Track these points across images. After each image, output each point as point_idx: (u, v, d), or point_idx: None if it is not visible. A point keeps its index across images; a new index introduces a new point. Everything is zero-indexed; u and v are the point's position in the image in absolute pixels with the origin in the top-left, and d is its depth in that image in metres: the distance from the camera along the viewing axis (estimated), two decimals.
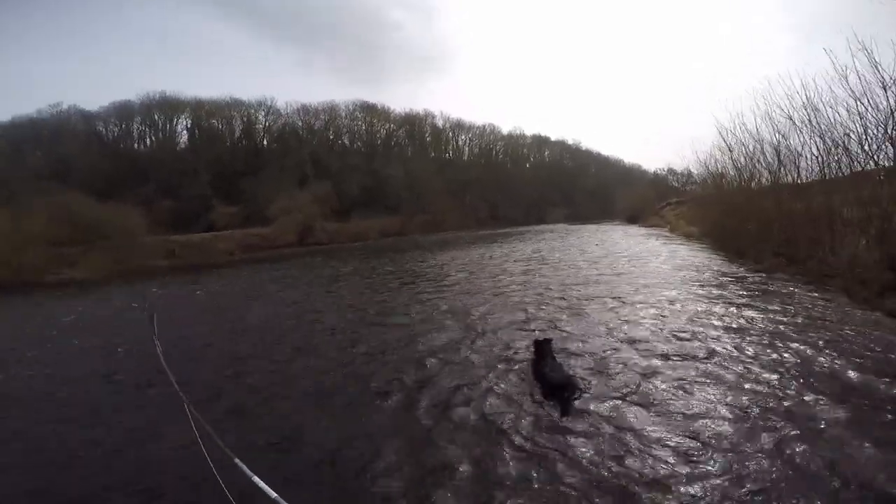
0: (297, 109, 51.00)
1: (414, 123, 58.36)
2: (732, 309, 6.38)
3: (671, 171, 58.04)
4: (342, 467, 3.16)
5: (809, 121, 9.70)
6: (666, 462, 2.95)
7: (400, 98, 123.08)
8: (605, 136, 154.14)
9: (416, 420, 3.82)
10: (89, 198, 25.82)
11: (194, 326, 7.82)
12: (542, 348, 4.64)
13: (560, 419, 3.62)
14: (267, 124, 50.40)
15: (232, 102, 49.46)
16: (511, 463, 3.09)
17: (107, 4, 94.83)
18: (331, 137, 51.08)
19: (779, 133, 11.23)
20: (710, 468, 2.84)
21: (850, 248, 8.03)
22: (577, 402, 3.85)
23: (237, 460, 0.88)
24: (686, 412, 3.54)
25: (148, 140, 46.88)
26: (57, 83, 76.99)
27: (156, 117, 46.72)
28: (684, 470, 2.84)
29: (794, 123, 10.27)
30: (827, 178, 9.55)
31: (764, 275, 8.81)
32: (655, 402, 3.74)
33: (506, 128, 68.04)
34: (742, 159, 14.11)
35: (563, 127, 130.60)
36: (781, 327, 5.43)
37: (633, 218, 42.73)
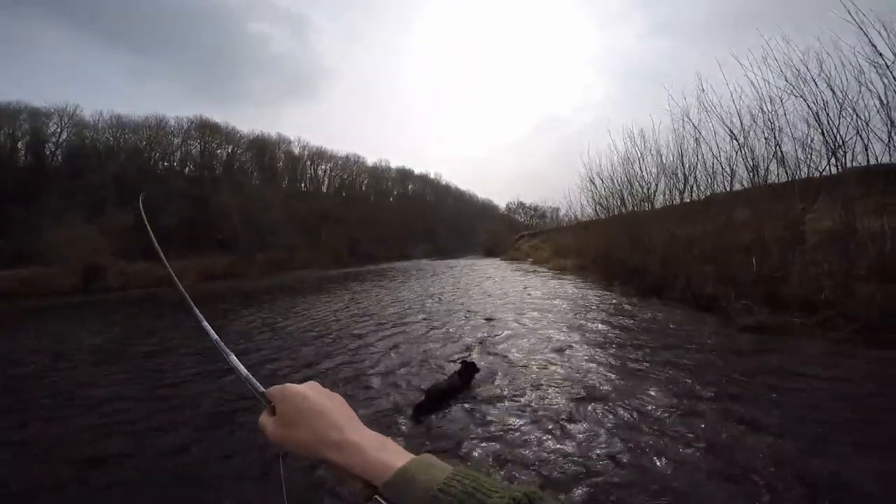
0: (109, 122, 42.22)
1: (264, 148, 52.62)
2: None
3: (521, 204, 61.37)
4: None
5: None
6: None
7: (258, 122, 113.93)
8: (458, 172, 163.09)
9: None
10: None
11: None
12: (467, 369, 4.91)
13: None
14: (66, 137, 40.52)
15: (16, 108, 38.92)
16: None
17: None
18: (154, 157, 42.95)
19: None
20: None
21: None
22: None
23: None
24: None
25: None
26: None
27: None
28: None
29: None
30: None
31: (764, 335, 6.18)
32: None
33: (371, 159, 66.02)
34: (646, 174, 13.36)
35: (424, 160, 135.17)
36: None
37: (491, 251, 43.46)
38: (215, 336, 0.74)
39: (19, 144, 39.49)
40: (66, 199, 30.22)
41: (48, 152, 39.69)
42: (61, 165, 37.54)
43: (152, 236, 1.05)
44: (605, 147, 27.08)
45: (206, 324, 0.78)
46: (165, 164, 43.36)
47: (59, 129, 40.33)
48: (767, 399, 4.15)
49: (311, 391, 0.56)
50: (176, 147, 44.43)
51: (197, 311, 0.81)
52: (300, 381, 0.58)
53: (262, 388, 0.59)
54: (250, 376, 0.63)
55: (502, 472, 3.23)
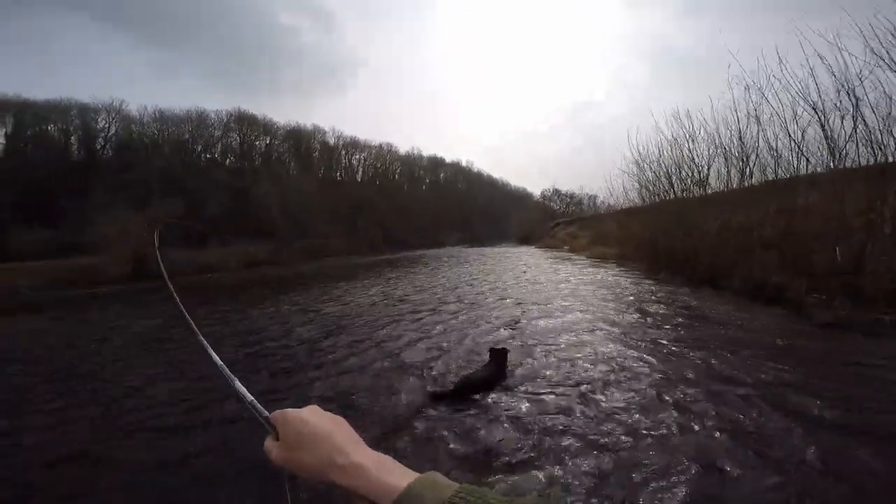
0: (153, 116, 43.74)
1: (300, 138, 53.42)
2: None
3: (556, 191, 59.76)
4: None
5: None
6: None
7: (290, 114, 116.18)
8: (492, 159, 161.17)
9: None
10: None
11: None
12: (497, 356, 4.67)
13: None
14: (114, 132, 42.29)
15: (67, 105, 40.93)
16: None
17: None
18: (197, 150, 44.27)
19: None
20: None
21: None
22: None
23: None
24: None
25: None
26: None
27: None
28: None
29: None
30: None
31: None
32: None
33: (403, 148, 65.94)
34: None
35: (453, 150, 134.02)
36: None
37: (525, 239, 42.87)
38: (220, 361, 0.73)
39: (72, 139, 41.66)
40: (114, 191, 31.57)
41: (98, 146, 41.68)
42: (111, 159, 39.22)
43: (162, 266, 1.12)
44: (648, 131, 25.69)
45: (211, 351, 0.76)
46: (207, 156, 44.67)
47: (107, 125, 42.24)
48: (875, 410, 3.58)
49: (311, 415, 0.56)
50: (217, 139, 45.66)
51: (202, 339, 0.80)
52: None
53: (266, 413, 0.59)
54: (254, 401, 0.62)
55: (527, 477, 2.86)
